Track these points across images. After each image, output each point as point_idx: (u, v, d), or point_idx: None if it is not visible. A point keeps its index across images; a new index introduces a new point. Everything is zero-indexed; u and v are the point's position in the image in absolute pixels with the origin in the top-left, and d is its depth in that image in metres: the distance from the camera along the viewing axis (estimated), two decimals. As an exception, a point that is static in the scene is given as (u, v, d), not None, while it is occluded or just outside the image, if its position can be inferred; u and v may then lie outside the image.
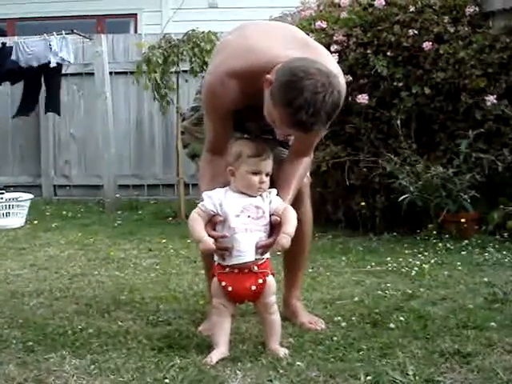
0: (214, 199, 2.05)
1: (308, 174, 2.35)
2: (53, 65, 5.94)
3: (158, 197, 6.72)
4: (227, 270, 2.03)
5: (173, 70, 5.50)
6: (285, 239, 1.99)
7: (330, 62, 2.09)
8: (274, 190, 2.09)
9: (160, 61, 5.38)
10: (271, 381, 1.78)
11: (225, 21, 5.67)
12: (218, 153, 2.15)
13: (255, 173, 2.02)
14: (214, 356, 1.95)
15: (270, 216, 2.04)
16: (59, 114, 6.43)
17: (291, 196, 2.14)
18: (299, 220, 2.08)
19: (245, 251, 1.99)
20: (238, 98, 2.06)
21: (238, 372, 1.85)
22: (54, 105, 6.32)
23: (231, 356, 1.98)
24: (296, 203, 2.18)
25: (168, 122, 6.62)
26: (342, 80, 2.04)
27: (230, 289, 2.02)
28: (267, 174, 2.05)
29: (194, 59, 5.38)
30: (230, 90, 2.04)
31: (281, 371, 1.84)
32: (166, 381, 1.79)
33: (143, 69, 5.51)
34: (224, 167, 2.09)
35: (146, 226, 5.14)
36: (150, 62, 5.41)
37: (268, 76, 1.92)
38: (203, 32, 5.48)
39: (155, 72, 5.41)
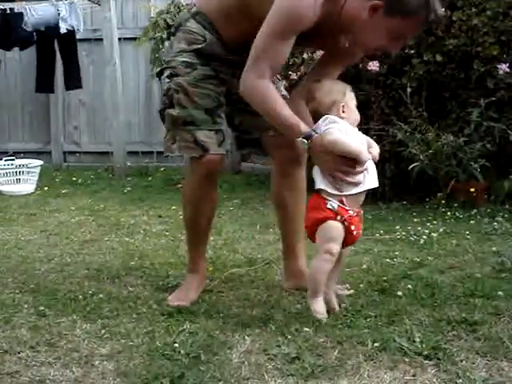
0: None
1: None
2: (63, 31, 5.90)
3: (168, 163, 6.71)
4: (351, 212, 1.99)
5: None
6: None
7: None
8: None
9: (168, 21, 5.33)
10: (279, 346, 1.80)
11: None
12: (271, 81, 2.11)
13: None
14: (322, 307, 1.99)
15: None
16: (81, 87, 6.41)
17: None
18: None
19: (367, 180, 2.01)
20: (312, 26, 2.03)
21: (246, 337, 1.88)
22: (73, 79, 6.29)
23: (240, 322, 2.01)
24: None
25: (177, 89, 6.57)
26: None
27: (355, 232, 2.02)
28: None
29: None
30: (314, 16, 2.01)
31: (289, 337, 1.86)
32: (176, 345, 1.82)
33: (150, 35, 5.46)
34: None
35: (156, 193, 5.16)
36: (157, 27, 5.37)
37: (375, 1, 1.97)
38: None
39: (162, 37, 5.36)
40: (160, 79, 2.54)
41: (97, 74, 6.84)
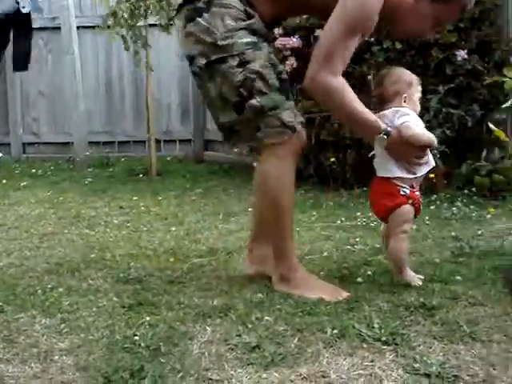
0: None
1: None
2: (25, 11, 5.73)
3: (129, 153, 6.67)
4: (417, 193, 2.21)
5: (141, 23, 5.39)
6: None
7: None
8: None
9: (126, 15, 5.26)
10: (240, 335, 1.80)
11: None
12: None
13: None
14: (415, 276, 2.22)
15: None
16: (26, 69, 6.26)
17: None
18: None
19: (431, 159, 2.21)
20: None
21: (207, 328, 1.87)
22: (20, 60, 6.15)
23: (201, 312, 2.00)
24: None
25: (138, 77, 6.53)
26: None
27: (420, 208, 2.25)
28: None
29: (161, 13, 5.27)
30: (380, 5, 2.06)
31: (249, 326, 1.86)
32: (136, 338, 1.80)
33: (108, 23, 5.39)
34: None
35: (117, 184, 5.12)
36: (116, 15, 5.30)
37: None
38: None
39: (121, 26, 5.29)
40: (197, 68, 2.17)
41: (55, 64, 6.74)
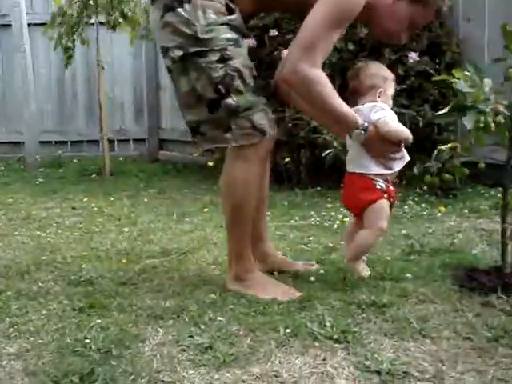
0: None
1: None
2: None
3: (83, 153, 6.57)
4: (391, 187, 2.23)
5: (92, 21, 5.31)
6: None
7: None
8: None
9: (75, 13, 5.18)
10: (192, 336, 1.79)
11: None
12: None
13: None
14: (364, 268, 2.27)
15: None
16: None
17: None
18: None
19: (406, 154, 2.21)
20: None
21: (159, 329, 1.86)
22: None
23: (154, 314, 1.99)
24: None
25: (91, 76, 6.44)
26: None
27: (395, 202, 2.29)
28: None
29: (111, 11, 5.20)
30: (363, 1, 2.08)
31: (202, 327, 1.86)
32: (87, 341, 1.77)
33: (58, 21, 5.30)
34: None
35: (70, 184, 5.04)
36: (65, 14, 5.21)
37: None
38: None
39: (70, 24, 5.20)
40: (170, 59, 2.10)
41: (6, 62, 6.58)
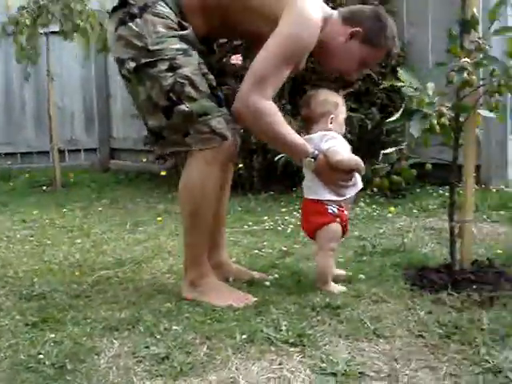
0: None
1: None
2: None
3: (33, 165, 6.47)
4: (346, 212, 2.25)
5: (42, 31, 5.24)
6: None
7: None
8: None
9: (28, 22, 5.10)
10: (148, 347, 1.78)
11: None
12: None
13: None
14: (337, 286, 2.22)
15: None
16: None
17: None
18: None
19: (359, 181, 2.24)
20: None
21: (114, 341, 1.84)
22: None
23: (108, 326, 1.97)
24: None
25: (39, 86, 6.34)
26: None
27: (346, 230, 2.28)
28: None
29: (64, 21, 5.15)
30: (315, 40, 2.14)
31: (158, 336, 1.85)
32: (41, 356, 1.75)
33: (9, 30, 5.21)
34: None
35: (20, 196, 4.96)
36: (17, 23, 5.13)
37: (356, 29, 2.20)
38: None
39: (22, 34, 5.13)
40: (126, 71, 2.16)
41: (-50, 73, 6.43)
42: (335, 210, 2.21)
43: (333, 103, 2.27)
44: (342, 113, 2.29)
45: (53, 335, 1.90)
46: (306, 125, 2.31)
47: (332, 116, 2.25)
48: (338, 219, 2.21)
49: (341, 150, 2.19)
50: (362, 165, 2.16)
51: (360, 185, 2.25)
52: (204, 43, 2.27)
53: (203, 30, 2.24)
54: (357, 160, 2.17)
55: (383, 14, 2.29)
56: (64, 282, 2.49)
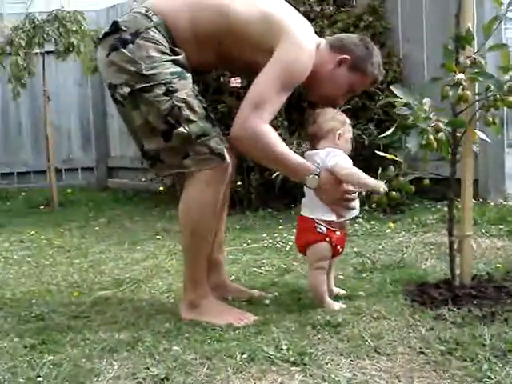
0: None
1: None
2: None
3: (30, 185, 6.46)
4: (337, 233, 2.22)
5: (37, 51, 5.26)
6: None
7: None
8: None
9: (23, 43, 5.13)
10: (148, 368, 1.76)
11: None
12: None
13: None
14: (335, 303, 2.21)
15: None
16: None
17: None
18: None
19: (357, 206, 2.25)
20: None
21: (114, 362, 1.83)
22: None
23: (108, 347, 1.95)
24: None
25: (35, 106, 6.35)
26: None
27: (339, 249, 2.25)
28: None
29: (59, 40, 5.17)
30: (311, 68, 2.18)
31: (157, 357, 1.83)
32: (40, 379, 1.73)
33: (7, 50, 5.23)
34: None
35: (17, 217, 4.94)
36: (12, 43, 5.15)
37: (344, 56, 2.25)
38: (69, 12, 5.29)
39: (18, 54, 5.15)
40: (119, 96, 2.16)
41: None
42: (324, 229, 2.20)
43: (340, 121, 2.29)
44: (348, 131, 2.31)
45: (51, 357, 1.89)
46: (312, 142, 2.32)
47: (339, 132, 2.26)
48: (327, 238, 2.20)
49: (349, 165, 2.21)
50: (377, 185, 2.13)
51: (357, 210, 2.26)
52: (198, 75, 2.29)
53: (196, 58, 2.24)
54: (373, 180, 2.15)
55: (370, 42, 2.35)
56: (62, 303, 2.48)
